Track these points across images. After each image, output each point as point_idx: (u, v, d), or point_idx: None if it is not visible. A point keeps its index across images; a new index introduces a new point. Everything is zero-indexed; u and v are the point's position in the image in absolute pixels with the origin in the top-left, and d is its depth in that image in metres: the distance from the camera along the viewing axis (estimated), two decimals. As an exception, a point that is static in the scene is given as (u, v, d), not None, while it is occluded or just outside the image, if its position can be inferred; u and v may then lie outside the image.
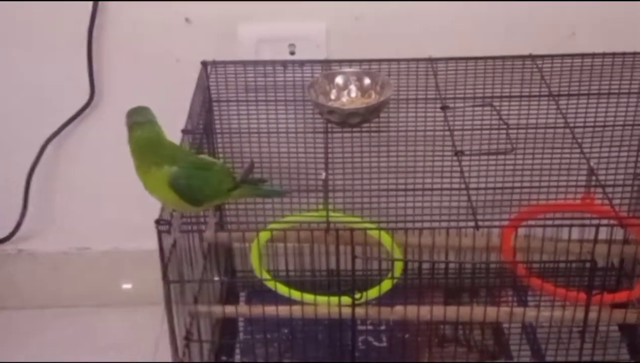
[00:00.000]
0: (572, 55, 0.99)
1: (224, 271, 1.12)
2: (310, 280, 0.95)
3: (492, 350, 1.03)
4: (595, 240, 0.77)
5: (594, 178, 0.83)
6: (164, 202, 0.76)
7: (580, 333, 0.89)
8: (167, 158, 0.74)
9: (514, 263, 0.88)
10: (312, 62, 1.01)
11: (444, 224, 0.98)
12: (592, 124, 1.00)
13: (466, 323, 0.99)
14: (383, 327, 1.08)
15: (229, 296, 1.14)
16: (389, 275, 0.88)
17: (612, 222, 0.77)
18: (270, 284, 0.91)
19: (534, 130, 0.98)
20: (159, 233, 0.78)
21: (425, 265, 0.99)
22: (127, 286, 1.18)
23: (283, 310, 0.89)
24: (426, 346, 1.03)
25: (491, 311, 0.84)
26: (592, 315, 0.82)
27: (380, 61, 1.00)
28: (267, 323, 0.95)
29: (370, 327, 1.07)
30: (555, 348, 0.94)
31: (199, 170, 0.76)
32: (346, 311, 0.84)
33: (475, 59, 1.00)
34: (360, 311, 0.85)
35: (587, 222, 0.79)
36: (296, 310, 0.89)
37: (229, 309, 0.93)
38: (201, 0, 0.99)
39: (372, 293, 0.87)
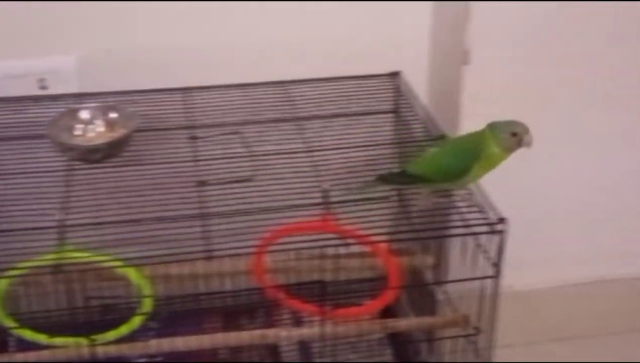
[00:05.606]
0: (319, 80, 1.04)
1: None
2: (56, 322, 0.92)
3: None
4: (324, 257, 0.81)
5: (328, 198, 0.87)
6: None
7: (350, 344, 0.94)
8: None
9: (264, 287, 0.90)
10: (65, 96, 0.99)
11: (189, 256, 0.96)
12: (333, 146, 1.03)
13: (235, 347, 1.00)
14: (160, 358, 1.07)
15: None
16: (138, 311, 0.88)
17: (346, 240, 0.82)
18: (17, 331, 0.88)
19: (279, 155, 1.01)
20: None
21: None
22: None
23: (31, 356, 0.86)
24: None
25: (234, 336, 0.85)
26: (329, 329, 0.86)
27: (133, 93, 1.00)
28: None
29: (144, 360, 1.06)
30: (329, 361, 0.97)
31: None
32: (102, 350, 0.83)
33: (227, 86, 1.02)
34: (105, 350, 0.84)
35: (317, 244, 0.82)
36: (45, 355, 0.86)
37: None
38: None
39: (112, 335, 0.85)
